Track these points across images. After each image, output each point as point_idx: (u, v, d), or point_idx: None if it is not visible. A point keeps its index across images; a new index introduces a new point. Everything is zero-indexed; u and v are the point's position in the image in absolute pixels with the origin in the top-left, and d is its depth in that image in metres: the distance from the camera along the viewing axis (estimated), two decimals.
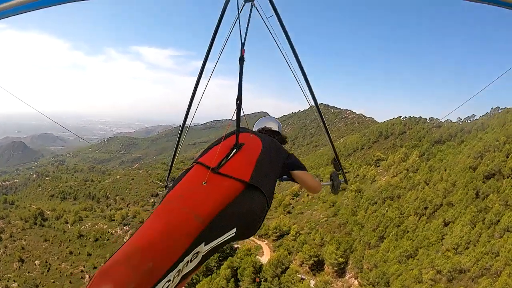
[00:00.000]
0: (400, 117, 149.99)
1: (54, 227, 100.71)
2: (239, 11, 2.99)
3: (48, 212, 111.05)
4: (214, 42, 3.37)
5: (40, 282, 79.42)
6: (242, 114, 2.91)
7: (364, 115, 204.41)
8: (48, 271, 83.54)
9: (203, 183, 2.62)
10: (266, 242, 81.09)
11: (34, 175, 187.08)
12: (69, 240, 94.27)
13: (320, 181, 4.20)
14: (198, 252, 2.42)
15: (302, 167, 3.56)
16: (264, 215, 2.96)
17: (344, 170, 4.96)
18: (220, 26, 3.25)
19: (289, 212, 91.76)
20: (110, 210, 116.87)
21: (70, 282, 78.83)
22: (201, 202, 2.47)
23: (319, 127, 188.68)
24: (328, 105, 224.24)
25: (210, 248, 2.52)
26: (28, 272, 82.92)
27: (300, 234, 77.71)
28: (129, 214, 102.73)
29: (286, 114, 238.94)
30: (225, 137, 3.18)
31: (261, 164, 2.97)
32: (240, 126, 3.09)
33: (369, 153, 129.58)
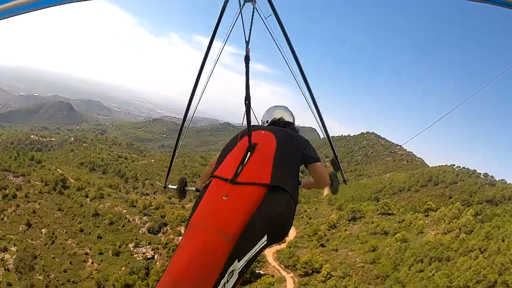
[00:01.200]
0: (453, 165, 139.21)
1: (72, 198, 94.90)
2: (240, 9, 2.98)
3: (72, 181, 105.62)
4: (214, 43, 3.35)
5: (39, 254, 73.25)
6: (252, 114, 2.93)
7: (414, 154, 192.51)
8: (52, 243, 77.48)
9: (223, 197, 2.62)
10: (292, 275, 71.98)
11: (72, 138, 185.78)
12: (83, 216, 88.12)
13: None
14: (233, 271, 2.42)
15: (319, 159, 3.53)
16: (294, 212, 2.95)
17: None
18: (221, 26, 3.25)
19: (322, 245, 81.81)
20: (136, 194, 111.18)
21: (70, 263, 72.19)
22: (227, 219, 2.49)
23: (366, 155, 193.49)
24: (379, 136, 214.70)
25: (244, 263, 2.51)
26: (32, 239, 77.12)
27: (331, 276, 68.26)
28: (152, 204, 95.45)
29: (335, 136, 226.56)
30: (238, 139, 3.16)
31: (279, 161, 2.97)
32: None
33: (415, 197, 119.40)
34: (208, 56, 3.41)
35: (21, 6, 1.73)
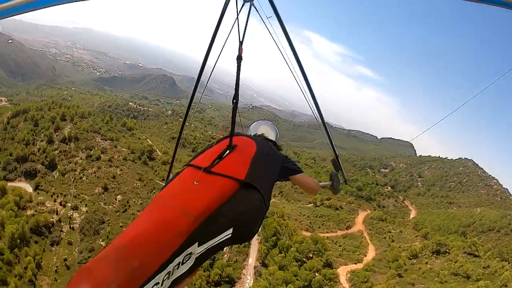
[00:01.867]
0: None
1: (155, 171, 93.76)
2: (239, 10, 3.04)
3: (159, 153, 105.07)
4: (214, 43, 3.45)
5: (108, 220, 72.64)
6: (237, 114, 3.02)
7: (510, 192, 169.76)
8: (123, 212, 76.61)
9: (194, 182, 2.65)
10: None
11: (170, 111, 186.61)
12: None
13: (319, 181, 4.26)
14: (191, 253, 2.37)
15: (299, 171, 3.68)
16: (262, 216, 2.98)
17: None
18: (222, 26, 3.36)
19: (400, 276, 75.02)
20: None
21: None
22: (193, 200, 2.49)
23: (460, 183, 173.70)
24: (477, 165, 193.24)
25: (204, 250, 2.48)
26: (104, 204, 76.80)
27: None
28: None
29: (431, 155, 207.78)
30: (216, 142, 3.29)
31: (256, 164, 3.00)
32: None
33: (505, 241, 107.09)
34: (209, 56, 3.53)
35: (21, 6, 1.73)
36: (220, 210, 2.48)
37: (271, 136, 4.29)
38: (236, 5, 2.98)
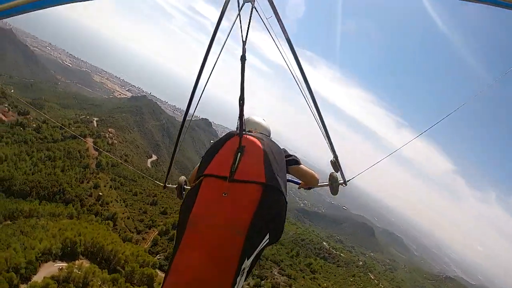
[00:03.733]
0: None
1: None
2: (239, 10, 3.09)
3: None
4: (213, 43, 3.46)
5: None
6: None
7: None
8: None
9: (223, 194, 2.66)
10: None
11: (361, 262, 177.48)
12: None
13: (319, 182, 4.34)
14: (244, 269, 2.46)
15: (299, 161, 3.87)
16: (286, 213, 3.00)
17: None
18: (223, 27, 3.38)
19: None
20: None
21: None
22: (234, 215, 2.54)
23: None
24: None
25: (251, 262, 2.56)
26: None
27: None
28: None
29: None
30: (221, 143, 3.26)
31: (269, 163, 3.04)
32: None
33: None
34: (208, 56, 3.47)
35: (21, 6, 1.75)
36: (256, 218, 2.53)
37: (265, 130, 4.26)
38: (238, 6, 2.98)
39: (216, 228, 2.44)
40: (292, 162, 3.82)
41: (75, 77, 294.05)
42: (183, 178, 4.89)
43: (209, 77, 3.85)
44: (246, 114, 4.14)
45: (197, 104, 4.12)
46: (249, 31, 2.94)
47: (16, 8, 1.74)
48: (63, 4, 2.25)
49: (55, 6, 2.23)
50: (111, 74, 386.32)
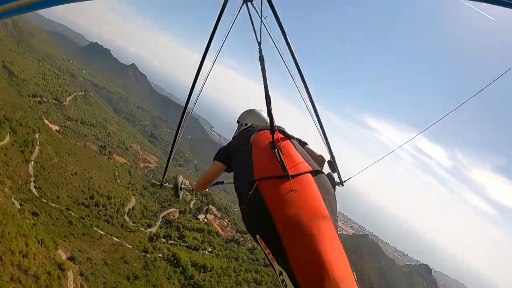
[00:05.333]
0: None
1: None
2: (238, 10, 3.32)
3: None
4: (213, 42, 3.59)
5: None
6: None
7: None
8: None
9: (291, 191, 2.77)
10: None
11: None
12: None
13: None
14: None
15: (306, 142, 4.05)
16: (332, 186, 3.22)
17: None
18: (225, 27, 3.56)
19: None
20: None
21: None
22: (315, 206, 2.70)
23: None
24: None
25: None
26: None
27: None
28: None
29: None
30: (247, 144, 3.49)
31: (301, 151, 3.38)
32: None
33: None
34: (207, 54, 3.68)
35: (21, 6, 1.74)
36: (325, 202, 2.77)
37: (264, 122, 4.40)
38: (247, 7, 3.24)
39: (311, 222, 2.53)
40: (303, 143, 3.96)
41: None
42: (180, 178, 5.07)
43: (207, 76, 4.08)
44: (247, 107, 4.88)
45: (193, 108, 4.47)
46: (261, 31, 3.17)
47: (17, 8, 1.76)
48: (63, 4, 2.28)
49: (56, 6, 2.27)
50: None
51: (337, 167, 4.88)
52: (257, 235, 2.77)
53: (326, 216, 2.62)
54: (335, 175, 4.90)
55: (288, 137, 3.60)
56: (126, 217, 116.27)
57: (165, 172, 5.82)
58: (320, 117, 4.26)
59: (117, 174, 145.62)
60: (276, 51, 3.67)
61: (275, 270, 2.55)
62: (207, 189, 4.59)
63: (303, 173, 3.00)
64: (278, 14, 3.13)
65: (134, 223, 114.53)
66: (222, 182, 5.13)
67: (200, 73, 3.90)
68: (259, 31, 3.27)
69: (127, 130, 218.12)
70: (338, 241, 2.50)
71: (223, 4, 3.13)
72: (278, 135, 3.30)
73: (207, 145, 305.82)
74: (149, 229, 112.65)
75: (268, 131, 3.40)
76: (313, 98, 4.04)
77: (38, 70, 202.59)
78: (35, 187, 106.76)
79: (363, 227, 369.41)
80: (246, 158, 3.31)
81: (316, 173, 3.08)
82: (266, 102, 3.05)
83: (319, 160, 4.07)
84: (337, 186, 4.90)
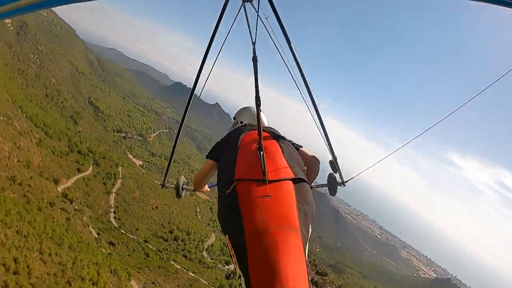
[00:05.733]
0: None
1: None
2: (239, 10, 3.35)
3: None
4: (213, 42, 3.59)
5: None
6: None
7: None
8: None
9: (267, 197, 2.72)
10: None
11: None
12: None
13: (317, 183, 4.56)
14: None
15: (300, 145, 3.88)
16: (312, 196, 3.15)
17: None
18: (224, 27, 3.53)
19: None
20: None
21: None
22: (286, 215, 2.64)
23: None
24: None
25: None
26: None
27: None
28: None
29: None
30: (236, 143, 3.40)
31: (288, 156, 3.25)
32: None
33: None
34: (208, 54, 3.69)
35: (22, 7, 1.76)
36: (299, 213, 2.67)
37: (265, 121, 4.36)
38: (245, 8, 3.23)
39: (281, 231, 2.48)
40: (296, 145, 3.77)
41: (382, 249, 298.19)
42: (182, 178, 5.04)
43: (208, 75, 4.05)
44: (243, 105, 4.80)
45: (192, 108, 4.43)
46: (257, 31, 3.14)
47: (18, 9, 1.73)
48: (64, 4, 2.24)
49: (56, 6, 2.21)
50: (418, 252, 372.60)
51: (338, 167, 4.78)
52: (227, 235, 2.75)
53: (295, 227, 2.55)
54: (337, 175, 4.81)
55: (278, 139, 3.48)
56: (204, 253, 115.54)
57: (166, 173, 5.77)
58: (322, 118, 4.22)
59: (198, 210, 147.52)
60: (276, 50, 3.68)
61: (236, 273, 2.57)
62: (209, 189, 4.67)
63: (282, 180, 2.91)
64: (279, 14, 3.17)
65: (212, 259, 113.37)
66: None
67: (201, 72, 3.96)
68: (260, 32, 3.30)
69: None
70: (301, 254, 2.44)
71: (224, 4, 3.16)
72: (267, 137, 3.34)
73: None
74: (227, 267, 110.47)
75: (263, 133, 3.22)
76: (314, 99, 3.99)
77: (123, 107, 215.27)
78: (114, 218, 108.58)
79: (447, 270, 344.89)
80: (231, 157, 3.26)
81: (298, 181, 2.96)
82: (256, 103, 2.99)
83: (312, 161, 3.88)
84: (339, 186, 4.85)
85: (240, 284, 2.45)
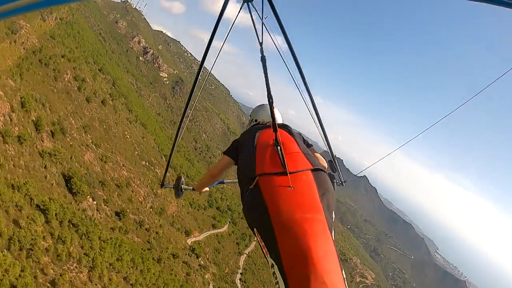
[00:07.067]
0: None
1: None
2: (239, 10, 3.42)
3: None
4: (212, 42, 3.71)
5: None
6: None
7: None
8: None
9: (289, 188, 2.82)
10: None
11: None
12: None
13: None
14: None
15: (311, 145, 3.98)
16: (332, 185, 3.27)
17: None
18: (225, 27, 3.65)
19: None
20: None
21: None
22: (310, 203, 2.74)
23: None
24: None
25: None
26: None
27: None
28: None
29: None
30: (252, 141, 3.53)
31: (303, 149, 3.39)
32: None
33: None
34: (207, 54, 3.83)
35: (22, 7, 1.70)
36: (322, 200, 2.77)
37: (280, 117, 4.46)
38: (249, 8, 3.28)
39: (304, 219, 2.55)
40: (308, 144, 3.85)
41: None
42: (181, 178, 5.15)
43: (209, 73, 4.31)
44: (258, 102, 4.85)
45: (192, 109, 4.73)
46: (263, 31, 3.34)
47: (18, 9, 1.70)
48: (64, 4, 2.29)
49: (56, 6, 2.01)
50: None
51: (337, 167, 4.93)
52: (255, 228, 2.83)
53: (320, 213, 2.65)
54: (336, 175, 4.97)
55: (292, 135, 3.61)
56: None
57: (165, 172, 5.95)
58: (320, 116, 4.34)
59: None
60: (277, 50, 3.82)
61: (268, 263, 2.63)
62: (208, 189, 4.95)
63: (302, 170, 3.01)
64: (279, 14, 3.21)
65: None
66: (223, 182, 5.24)
67: (201, 72, 4.06)
68: (266, 31, 3.51)
69: (350, 241, 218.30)
70: (329, 238, 2.53)
71: (224, 4, 3.17)
72: (282, 133, 3.44)
73: (429, 268, 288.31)
74: None
75: (278, 128, 3.34)
76: (313, 97, 4.09)
77: None
78: (240, 279, 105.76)
79: None
80: (250, 154, 3.38)
81: (316, 170, 3.07)
82: (268, 101, 3.16)
83: (321, 160, 3.88)
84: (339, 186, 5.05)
85: (274, 273, 2.49)
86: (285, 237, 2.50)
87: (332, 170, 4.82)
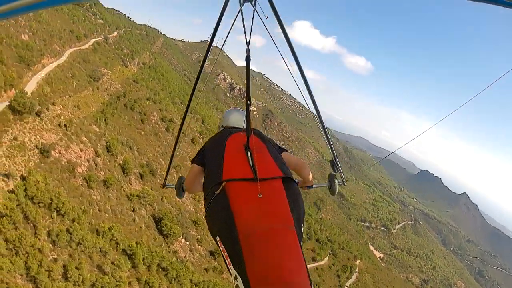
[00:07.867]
0: None
1: None
2: (239, 10, 3.26)
3: None
4: (213, 43, 3.65)
5: None
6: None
7: None
8: None
9: (259, 195, 2.71)
10: None
11: None
12: None
13: (318, 183, 4.53)
14: None
15: (286, 149, 3.82)
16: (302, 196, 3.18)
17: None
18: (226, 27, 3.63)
19: None
20: None
21: None
22: (279, 213, 2.64)
23: None
24: None
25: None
26: None
27: None
28: None
29: None
30: (223, 144, 3.33)
31: (274, 156, 3.25)
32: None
33: None
34: (208, 54, 3.78)
35: (22, 7, 1.66)
36: (292, 210, 2.66)
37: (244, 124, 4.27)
38: (240, 4, 3.10)
39: (273, 229, 2.48)
40: (281, 149, 3.70)
41: None
42: (183, 178, 4.95)
43: (209, 72, 4.23)
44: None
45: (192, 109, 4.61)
46: (252, 32, 3.09)
47: (19, 9, 1.66)
48: (64, 4, 2.19)
49: (56, 6, 2.07)
50: None
51: (339, 167, 4.81)
52: (218, 237, 2.71)
53: (290, 224, 2.56)
54: (337, 175, 4.86)
55: (264, 140, 3.43)
56: None
57: (167, 172, 5.91)
58: (322, 118, 4.21)
59: None
60: (277, 50, 3.68)
61: (230, 274, 2.54)
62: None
63: (272, 178, 2.89)
64: (279, 14, 3.10)
65: None
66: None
67: (201, 71, 4.05)
68: (264, 32, 3.47)
69: (453, 264, 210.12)
70: (298, 249, 2.45)
71: (224, 3, 3.11)
72: (253, 138, 3.18)
73: None
74: None
75: (245, 133, 3.22)
76: (314, 99, 3.96)
77: (368, 196, 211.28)
78: None
79: None
80: (218, 158, 3.19)
81: (286, 179, 2.95)
82: (246, 102, 3.01)
83: (300, 165, 3.86)
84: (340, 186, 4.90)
85: (237, 286, 2.40)
86: (251, 248, 2.39)
87: (334, 170, 4.75)
